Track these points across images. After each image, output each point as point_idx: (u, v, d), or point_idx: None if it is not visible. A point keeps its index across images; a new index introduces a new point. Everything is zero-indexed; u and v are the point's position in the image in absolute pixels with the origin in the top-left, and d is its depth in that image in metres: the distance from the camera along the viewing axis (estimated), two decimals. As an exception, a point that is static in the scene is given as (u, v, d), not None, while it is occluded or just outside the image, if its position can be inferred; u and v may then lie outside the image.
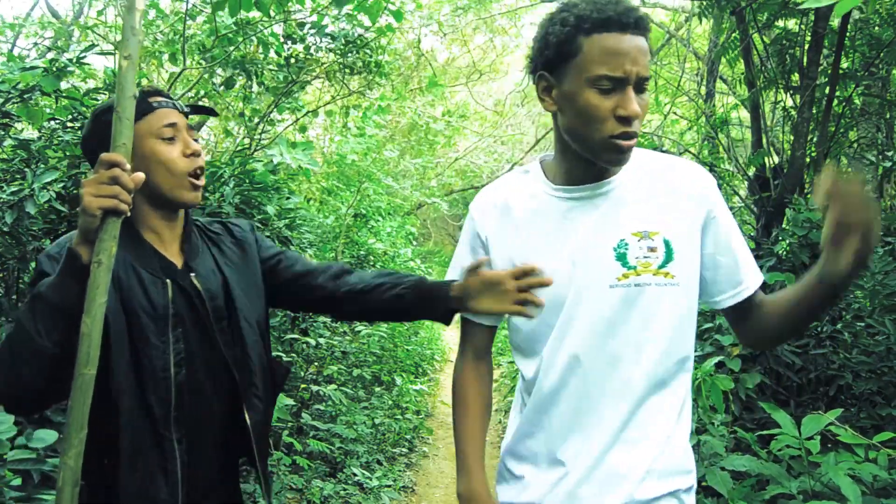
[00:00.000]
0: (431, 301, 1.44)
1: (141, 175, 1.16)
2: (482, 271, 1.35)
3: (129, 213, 1.13)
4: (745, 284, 1.26)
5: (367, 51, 5.13)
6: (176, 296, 1.33)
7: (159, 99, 1.36)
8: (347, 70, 5.33)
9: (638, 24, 1.12)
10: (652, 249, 1.20)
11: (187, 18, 4.31)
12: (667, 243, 1.21)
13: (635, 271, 1.20)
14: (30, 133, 2.82)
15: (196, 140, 1.38)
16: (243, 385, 1.39)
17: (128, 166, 1.13)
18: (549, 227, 1.27)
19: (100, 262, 1.10)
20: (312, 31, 4.80)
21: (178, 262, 1.38)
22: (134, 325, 1.27)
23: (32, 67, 2.64)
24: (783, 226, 3.87)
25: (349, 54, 5.03)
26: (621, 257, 1.21)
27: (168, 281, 1.33)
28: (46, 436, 1.97)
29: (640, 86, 1.15)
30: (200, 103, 5.59)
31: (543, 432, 1.30)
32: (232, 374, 1.38)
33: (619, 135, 1.14)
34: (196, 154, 1.35)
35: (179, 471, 1.28)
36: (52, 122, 2.73)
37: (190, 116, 1.43)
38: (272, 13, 4.29)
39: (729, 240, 1.24)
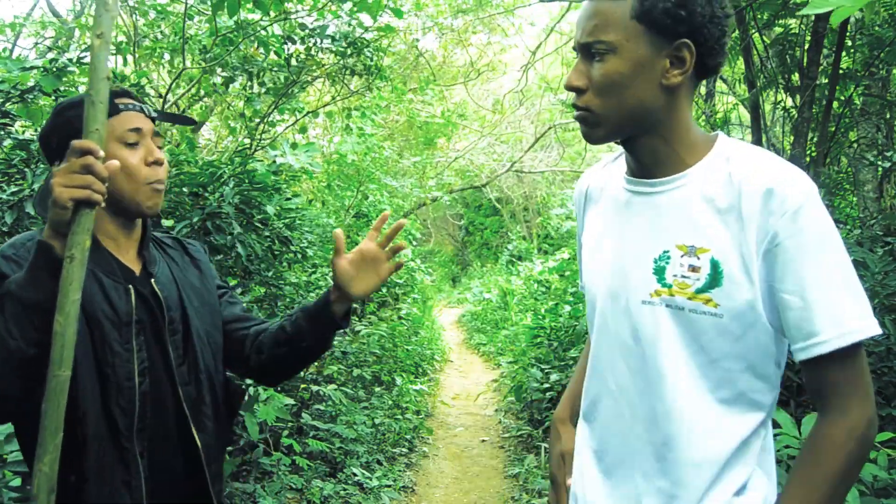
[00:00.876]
0: (318, 313, 1.38)
1: (115, 162, 1.09)
2: (344, 256, 1.32)
3: (103, 204, 1.07)
4: (821, 338, 0.95)
5: (368, 52, 5.13)
6: (138, 302, 1.29)
7: (126, 101, 1.30)
8: (348, 72, 5.33)
9: None
10: (694, 269, 1.01)
11: (187, 18, 4.31)
12: (714, 265, 1.00)
13: (669, 290, 1.03)
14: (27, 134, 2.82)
15: (161, 147, 1.33)
16: (190, 402, 1.33)
17: (101, 153, 1.06)
18: (609, 220, 1.16)
19: (73, 257, 1.04)
20: (313, 31, 4.80)
21: (135, 268, 1.34)
22: (96, 333, 1.21)
23: (32, 67, 2.64)
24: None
25: (350, 56, 5.03)
26: (659, 271, 1.05)
27: (130, 287, 1.28)
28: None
29: (588, 52, 1.03)
30: (200, 103, 5.59)
31: (582, 439, 1.22)
32: (184, 391, 1.33)
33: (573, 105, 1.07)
34: (158, 163, 1.30)
35: (144, 486, 1.23)
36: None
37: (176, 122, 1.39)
38: (272, 13, 4.29)
39: (799, 275, 0.95)
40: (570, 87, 1.06)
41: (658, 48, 1.00)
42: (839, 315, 0.95)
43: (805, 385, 1.07)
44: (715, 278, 1.00)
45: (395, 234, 1.35)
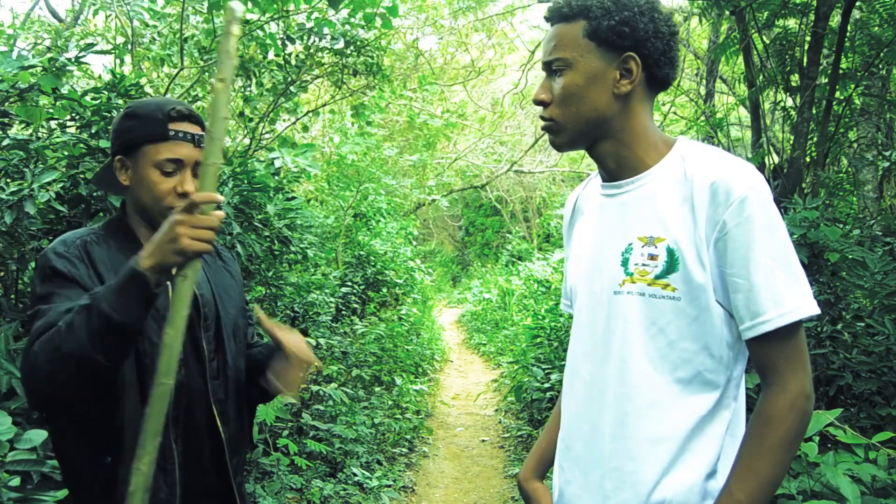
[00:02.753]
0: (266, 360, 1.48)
1: (221, 213, 1.15)
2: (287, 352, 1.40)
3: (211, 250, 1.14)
4: (765, 317, 1.04)
5: (369, 52, 5.12)
6: None
7: (182, 128, 1.35)
8: (349, 71, 5.33)
9: (552, 16, 1.18)
10: (652, 257, 1.11)
11: (184, 19, 4.31)
12: (670, 252, 1.09)
13: (631, 279, 1.13)
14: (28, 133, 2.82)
15: (196, 175, 1.37)
16: (217, 396, 1.40)
17: (221, 199, 1.13)
18: (591, 225, 1.27)
19: (185, 276, 1.10)
20: (312, 31, 4.80)
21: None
22: None
23: (31, 66, 2.63)
24: (783, 226, 3.85)
25: (349, 56, 5.02)
26: (625, 262, 1.14)
27: (168, 283, 1.32)
28: (35, 436, 1.96)
29: (550, 69, 1.17)
30: (197, 105, 5.58)
31: (560, 436, 1.28)
32: (211, 386, 1.40)
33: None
34: (186, 195, 1.35)
35: (178, 470, 1.30)
36: (52, 123, 2.73)
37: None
38: (270, 13, 4.29)
39: (746, 261, 1.04)
40: (536, 102, 1.18)
41: (608, 61, 1.13)
42: (781, 296, 1.04)
43: (752, 363, 1.13)
44: (671, 264, 1.09)
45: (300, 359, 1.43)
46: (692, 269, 1.07)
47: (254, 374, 1.49)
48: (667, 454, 1.09)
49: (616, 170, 1.19)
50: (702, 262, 1.07)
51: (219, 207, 1.16)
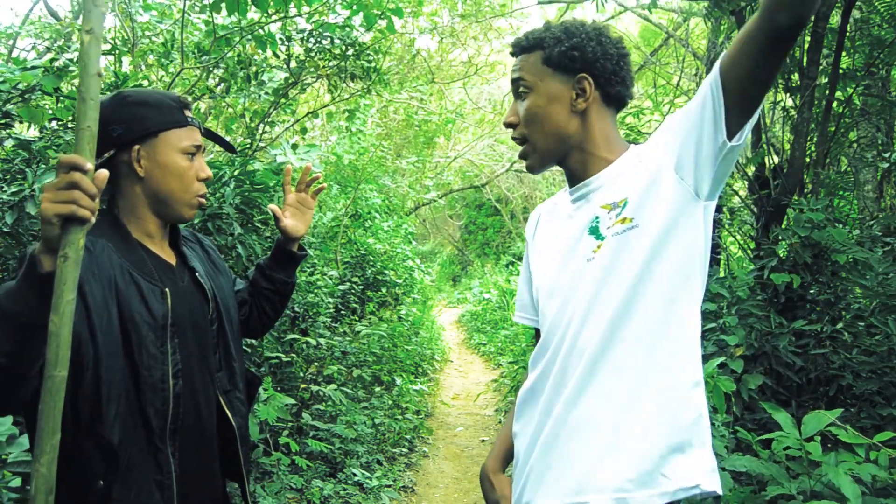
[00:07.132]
0: (282, 258, 1.67)
1: (105, 172, 1.03)
2: (284, 217, 1.65)
3: (93, 220, 1.02)
4: None
5: (368, 56, 5.11)
6: (175, 301, 1.31)
7: (189, 114, 1.39)
8: (347, 75, 5.32)
9: (515, 49, 1.34)
10: (617, 213, 1.22)
11: (184, 20, 4.30)
12: (627, 202, 1.20)
13: (604, 241, 1.21)
14: (32, 130, 2.82)
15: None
16: (223, 389, 1.40)
17: (89, 166, 1.00)
18: (556, 229, 1.37)
19: (66, 257, 1.00)
20: (312, 34, 4.79)
21: (171, 260, 1.40)
22: (131, 335, 1.23)
23: (33, 67, 2.64)
24: (783, 226, 3.86)
25: (349, 59, 5.02)
26: (594, 231, 1.23)
27: (167, 290, 1.31)
28: (25, 440, 1.96)
29: (516, 94, 1.32)
30: (197, 105, 5.57)
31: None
32: (216, 378, 1.40)
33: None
34: (207, 180, 1.41)
35: (175, 484, 1.27)
36: (54, 123, 2.73)
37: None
38: (271, 12, 4.29)
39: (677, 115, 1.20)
40: (506, 124, 1.33)
41: (564, 83, 1.27)
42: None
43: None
44: (626, 207, 1.21)
45: (307, 176, 1.67)
46: (649, 200, 1.17)
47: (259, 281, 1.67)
48: (617, 411, 1.20)
49: (583, 171, 1.31)
50: (660, 191, 1.16)
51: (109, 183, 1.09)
